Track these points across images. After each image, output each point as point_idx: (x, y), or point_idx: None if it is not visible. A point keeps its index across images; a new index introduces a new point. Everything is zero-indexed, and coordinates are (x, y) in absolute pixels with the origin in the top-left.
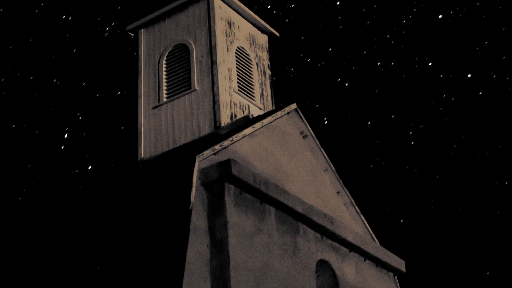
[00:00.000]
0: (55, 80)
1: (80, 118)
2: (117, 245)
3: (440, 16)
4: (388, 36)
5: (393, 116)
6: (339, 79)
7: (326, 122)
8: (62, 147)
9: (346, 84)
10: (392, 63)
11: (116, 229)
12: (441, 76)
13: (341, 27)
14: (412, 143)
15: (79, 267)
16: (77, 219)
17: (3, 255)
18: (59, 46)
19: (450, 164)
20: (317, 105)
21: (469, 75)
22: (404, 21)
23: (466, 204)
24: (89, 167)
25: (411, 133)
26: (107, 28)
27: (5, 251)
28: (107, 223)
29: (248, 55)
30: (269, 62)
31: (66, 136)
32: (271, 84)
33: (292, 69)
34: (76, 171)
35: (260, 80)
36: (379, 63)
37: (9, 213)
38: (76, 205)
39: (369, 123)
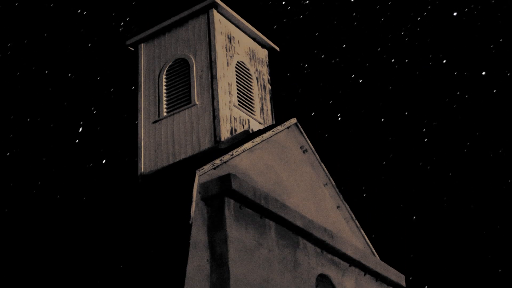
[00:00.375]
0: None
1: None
2: (118, 259)
3: (455, 14)
4: (402, 33)
5: (406, 113)
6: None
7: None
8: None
9: (359, 81)
10: (406, 60)
11: (117, 244)
12: (455, 73)
13: (355, 23)
14: (426, 140)
15: (80, 280)
16: (77, 233)
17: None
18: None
19: (463, 162)
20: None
21: (484, 73)
22: (418, 18)
23: (476, 207)
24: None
25: (424, 130)
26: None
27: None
28: (107, 238)
29: (248, 69)
30: (269, 77)
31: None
32: (271, 98)
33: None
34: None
35: (260, 95)
36: (393, 60)
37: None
38: (77, 220)
39: (382, 119)
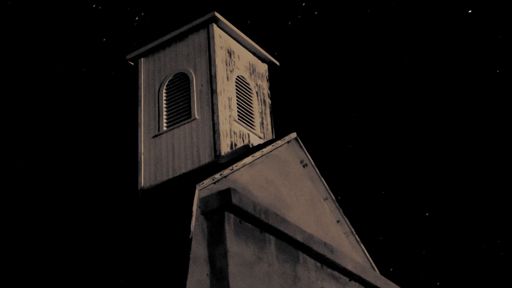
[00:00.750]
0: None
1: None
2: (118, 273)
3: (469, 11)
4: (416, 30)
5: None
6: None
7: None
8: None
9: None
10: (420, 57)
11: (117, 258)
12: (470, 71)
13: (370, 15)
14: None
15: None
16: (78, 247)
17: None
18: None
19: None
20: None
21: (498, 71)
22: (433, 15)
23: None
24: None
25: (438, 126)
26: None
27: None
28: (107, 252)
29: (248, 84)
30: (269, 91)
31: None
32: (271, 113)
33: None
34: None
35: (260, 109)
36: (407, 58)
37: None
38: (78, 233)
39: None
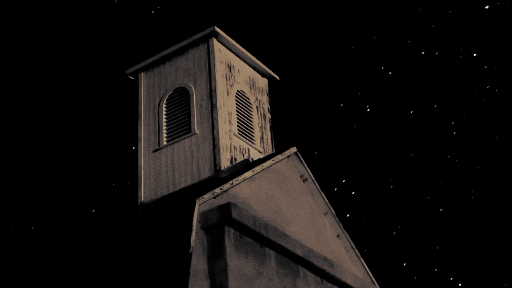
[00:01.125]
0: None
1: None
2: None
3: (486, 7)
4: (433, 25)
5: (435, 106)
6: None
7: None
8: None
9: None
10: (437, 53)
11: (117, 273)
12: (486, 67)
13: (386, 15)
14: (454, 133)
15: None
16: (78, 262)
17: None
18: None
19: (490, 158)
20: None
21: None
22: (450, 11)
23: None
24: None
25: (453, 123)
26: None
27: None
28: (107, 267)
29: (248, 98)
30: (269, 106)
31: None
32: (271, 127)
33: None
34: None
35: (260, 124)
36: (423, 53)
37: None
38: (78, 248)
39: (411, 112)
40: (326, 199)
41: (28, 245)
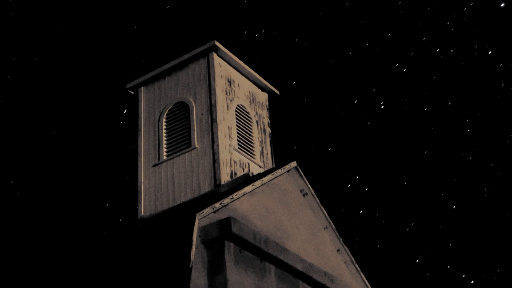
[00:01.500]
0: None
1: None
2: None
3: (502, 5)
4: (448, 23)
5: (450, 103)
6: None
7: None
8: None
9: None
10: (451, 50)
11: (117, 287)
12: (500, 65)
13: (401, 12)
14: (468, 130)
15: None
16: (78, 277)
17: None
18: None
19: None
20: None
21: None
22: (465, 9)
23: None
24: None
25: (467, 120)
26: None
27: None
28: (108, 281)
29: (248, 113)
30: (269, 120)
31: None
32: (271, 142)
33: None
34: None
35: (260, 138)
36: (438, 50)
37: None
38: (78, 263)
39: (425, 109)
40: (326, 214)
41: (28, 261)
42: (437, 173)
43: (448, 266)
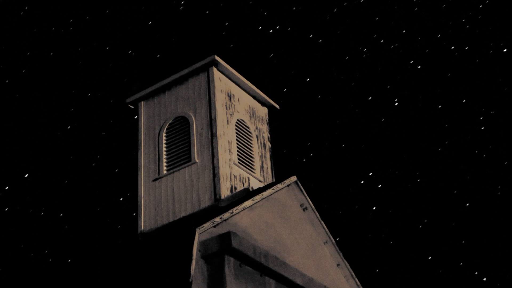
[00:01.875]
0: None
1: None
2: None
3: None
4: (463, 20)
5: (464, 101)
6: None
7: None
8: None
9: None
10: (466, 48)
11: None
12: None
13: (416, 9)
14: (482, 128)
15: None
16: None
17: None
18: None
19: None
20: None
21: None
22: (480, 6)
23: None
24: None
25: (481, 118)
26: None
27: None
28: None
29: (248, 127)
30: (269, 135)
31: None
32: (271, 156)
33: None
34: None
35: (260, 153)
36: (453, 47)
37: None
38: (78, 278)
39: (439, 106)
40: (326, 228)
41: (27, 276)
42: (451, 171)
43: (461, 263)
